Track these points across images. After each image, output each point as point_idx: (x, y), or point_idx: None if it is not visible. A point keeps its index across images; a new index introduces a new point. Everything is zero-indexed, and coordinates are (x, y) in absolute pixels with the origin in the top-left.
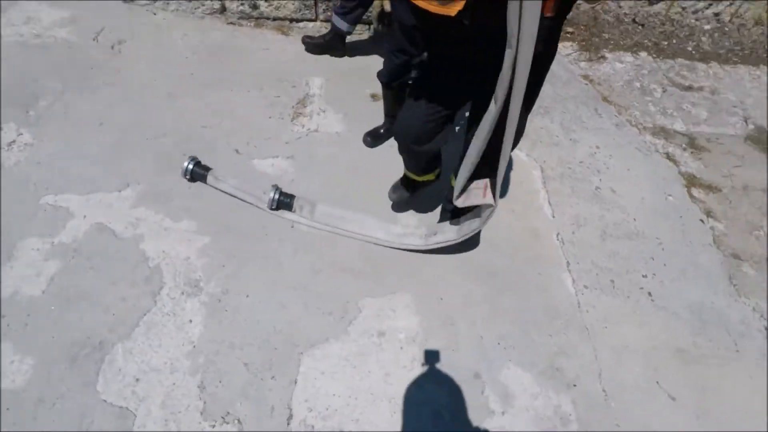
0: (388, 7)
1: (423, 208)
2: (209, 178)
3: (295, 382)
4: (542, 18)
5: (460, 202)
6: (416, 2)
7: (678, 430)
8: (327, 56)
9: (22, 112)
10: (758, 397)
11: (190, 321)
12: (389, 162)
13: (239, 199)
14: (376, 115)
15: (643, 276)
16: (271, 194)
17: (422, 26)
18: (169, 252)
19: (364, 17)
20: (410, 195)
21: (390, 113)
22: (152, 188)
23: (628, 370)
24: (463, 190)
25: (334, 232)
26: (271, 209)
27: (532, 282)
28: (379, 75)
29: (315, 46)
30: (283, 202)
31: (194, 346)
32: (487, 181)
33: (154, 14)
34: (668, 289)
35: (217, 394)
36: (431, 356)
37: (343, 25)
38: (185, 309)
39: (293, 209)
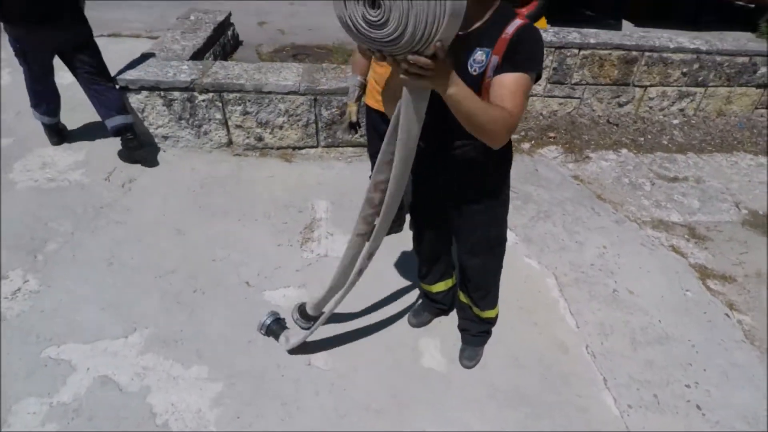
0: (354, 117)
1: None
2: (281, 339)
3: None
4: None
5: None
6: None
7: None
8: (331, 181)
9: (30, 257)
10: None
11: None
12: (399, 287)
13: None
14: None
15: (686, 386)
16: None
17: None
18: (179, 405)
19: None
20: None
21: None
22: (160, 331)
23: None
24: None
25: None
26: None
27: (570, 405)
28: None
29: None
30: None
31: None
32: None
33: (164, 151)
34: (715, 398)
35: None
36: None
37: (43, 119)
38: None
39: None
